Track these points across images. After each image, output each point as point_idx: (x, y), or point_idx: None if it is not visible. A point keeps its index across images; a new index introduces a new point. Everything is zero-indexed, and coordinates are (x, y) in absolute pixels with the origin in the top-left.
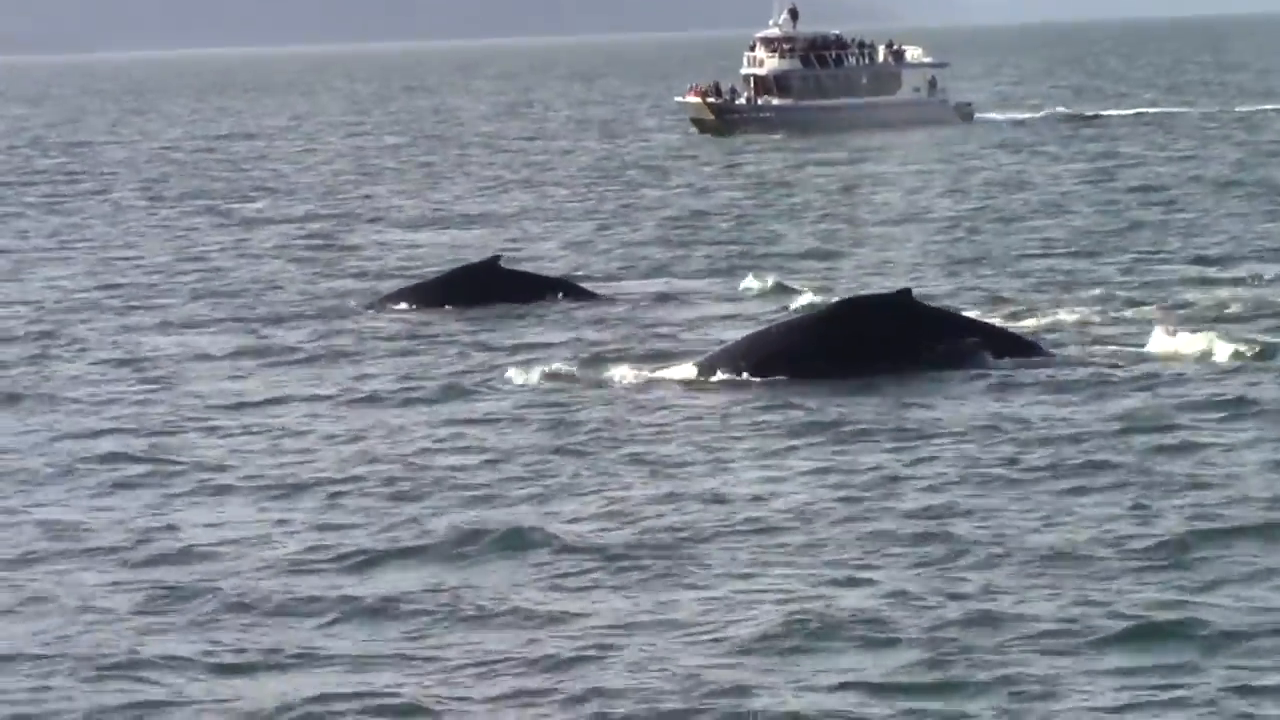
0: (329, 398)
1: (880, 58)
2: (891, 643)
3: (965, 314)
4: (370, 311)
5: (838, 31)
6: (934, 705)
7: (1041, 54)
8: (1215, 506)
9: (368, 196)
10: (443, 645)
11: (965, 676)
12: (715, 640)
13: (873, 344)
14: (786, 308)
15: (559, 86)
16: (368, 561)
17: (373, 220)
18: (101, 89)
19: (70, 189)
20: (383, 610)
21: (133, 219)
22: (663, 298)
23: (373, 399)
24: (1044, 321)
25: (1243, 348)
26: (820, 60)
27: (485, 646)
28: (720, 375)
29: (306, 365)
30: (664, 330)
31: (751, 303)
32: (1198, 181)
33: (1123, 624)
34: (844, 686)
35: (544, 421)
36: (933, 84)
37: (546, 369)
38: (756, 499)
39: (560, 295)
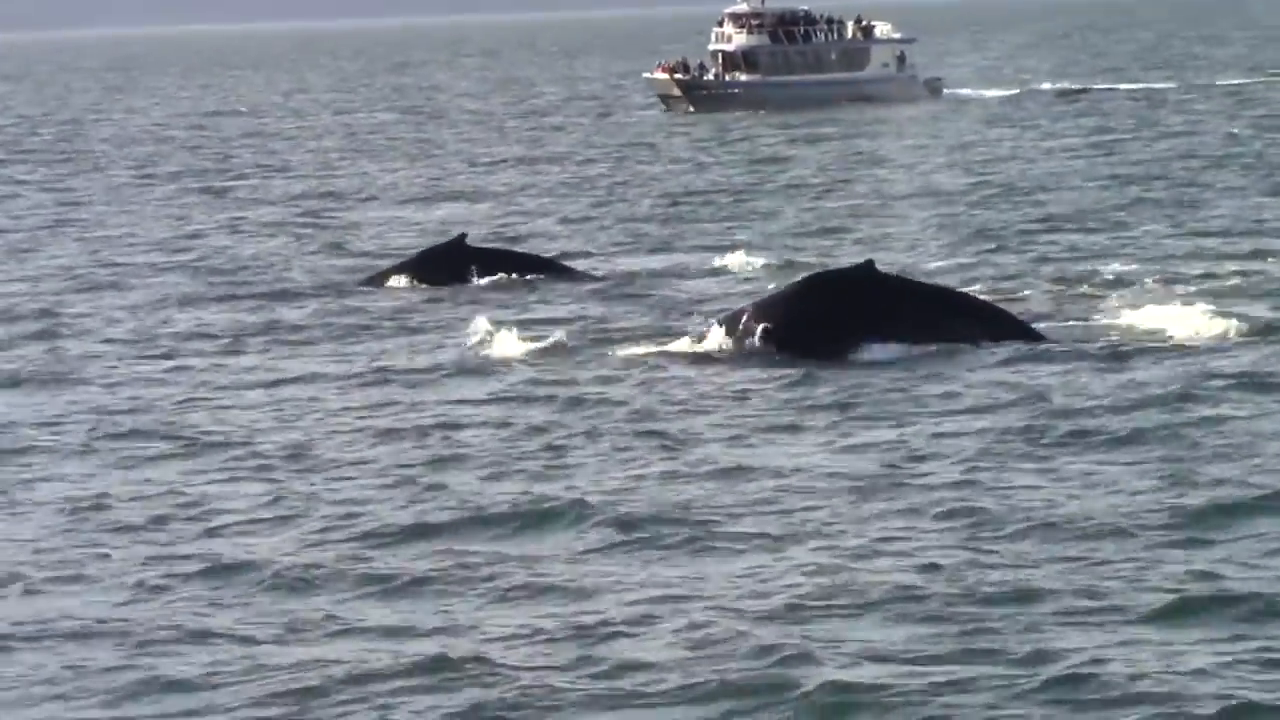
0: (338, 376)
1: (849, 33)
2: (924, 616)
3: (935, 284)
4: (365, 289)
5: (806, 7)
6: (967, 675)
7: (1030, 29)
8: (1241, 477)
9: (361, 173)
10: (476, 617)
11: (1000, 649)
12: (745, 613)
13: (839, 316)
14: (773, 284)
15: (544, 62)
16: (396, 535)
17: (367, 197)
18: (87, 66)
19: (64, 168)
20: (415, 583)
21: (127, 197)
22: (652, 274)
23: (382, 377)
24: (1042, 295)
25: (1245, 323)
26: (788, 36)
27: (518, 619)
28: (706, 350)
29: (311, 344)
30: (653, 306)
31: (740, 279)
32: (1193, 156)
33: (1155, 596)
34: (876, 659)
35: (552, 396)
36: (901, 59)
37: (544, 345)
38: (775, 473)
39: (528, 270)
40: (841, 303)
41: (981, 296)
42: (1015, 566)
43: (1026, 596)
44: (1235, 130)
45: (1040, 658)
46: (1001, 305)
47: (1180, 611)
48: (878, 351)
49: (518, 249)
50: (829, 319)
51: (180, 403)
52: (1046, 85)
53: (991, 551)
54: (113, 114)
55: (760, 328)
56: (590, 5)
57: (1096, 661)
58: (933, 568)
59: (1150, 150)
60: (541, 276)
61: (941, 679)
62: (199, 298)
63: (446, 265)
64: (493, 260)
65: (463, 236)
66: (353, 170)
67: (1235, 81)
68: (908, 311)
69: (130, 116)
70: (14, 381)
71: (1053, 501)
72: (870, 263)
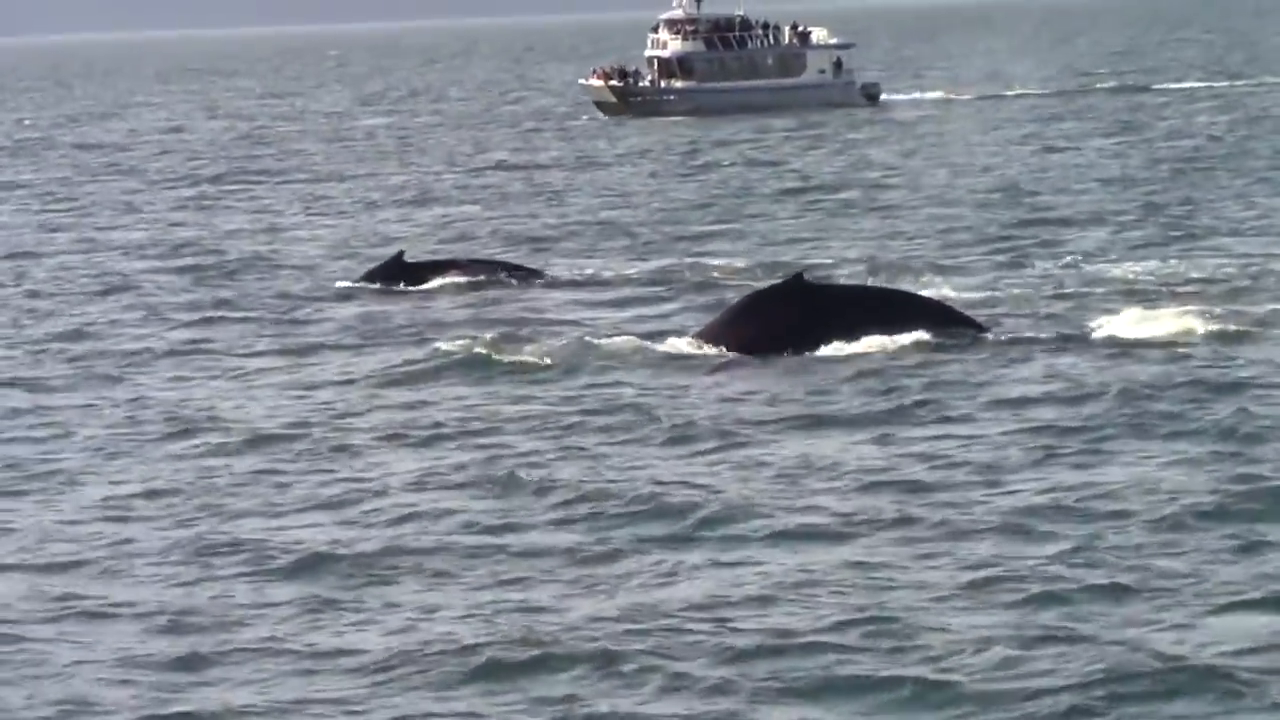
0: (348, 381)
1: (785, 39)
2: (994, 608)
3: (873, 286)
4: (338, 299)
5: (742, 12)
6: (1046, 668)
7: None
8: None
9: (350, 177)
10: (529, 603)
11: (1084, 639)
12: (812, 606)
13: (775, 329)
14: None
15: (519, 69)
16: (445, 529)
17: (359, 200)
18: (58, 73)
19: (57, 173)
20: (470, 574)
21: (123, 202)
22: (639, 278)
23: (392, 380)
24: (1041, 296)
25: (1248, 322)
26: (724, 42)
27: (582, 609)
28: (698, 356)
29: (309, 350)
30: (639, 309)
31: (722, 285)
32: (1181, 158)
33: (1229, 589)
34: (952, 653)
35: (563, 397)
36: (838, 65)
37: (532, 348)
38: (814, 470)
39: (477, 278)
40: (776, 316)
41: (941, 296)
42: (1071, 561)
43: (1103, 590)
44: (1219, 133)
45: (1127, 649)
46: (1008, 307)
47: (1261, 604)
48: (819, 357)
49: (471, 257)
50: (766, 333)
51: (205, 401)
52: (1026, 89)
53: (1055, 544)
54: (99, 120)
55: (709, 347)
56: (569, 9)
57: (1180, 653)
58: (995, 561)
59: (1139, 153)
60: (494, 283)
61: (1020, 671)
62: (205, 302)
63: (392, 281)
64: (437, 271)
65: (400, 254)
66: (344, 173)
67: (1210, 84)
68: (846, 316)
69: (110, 121)
70: (37, 382)
71: (1082, 495)
72: (799, 275)
